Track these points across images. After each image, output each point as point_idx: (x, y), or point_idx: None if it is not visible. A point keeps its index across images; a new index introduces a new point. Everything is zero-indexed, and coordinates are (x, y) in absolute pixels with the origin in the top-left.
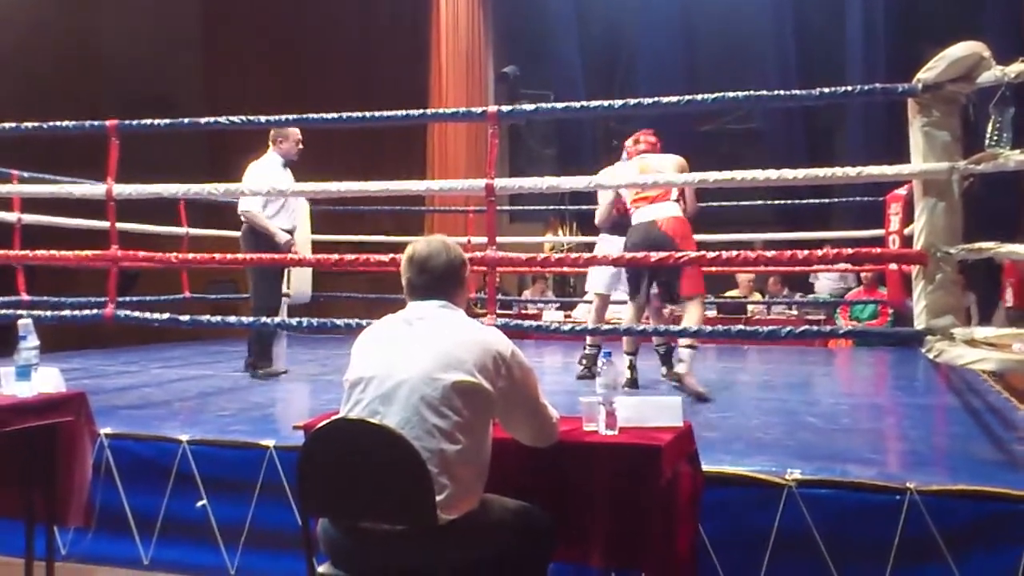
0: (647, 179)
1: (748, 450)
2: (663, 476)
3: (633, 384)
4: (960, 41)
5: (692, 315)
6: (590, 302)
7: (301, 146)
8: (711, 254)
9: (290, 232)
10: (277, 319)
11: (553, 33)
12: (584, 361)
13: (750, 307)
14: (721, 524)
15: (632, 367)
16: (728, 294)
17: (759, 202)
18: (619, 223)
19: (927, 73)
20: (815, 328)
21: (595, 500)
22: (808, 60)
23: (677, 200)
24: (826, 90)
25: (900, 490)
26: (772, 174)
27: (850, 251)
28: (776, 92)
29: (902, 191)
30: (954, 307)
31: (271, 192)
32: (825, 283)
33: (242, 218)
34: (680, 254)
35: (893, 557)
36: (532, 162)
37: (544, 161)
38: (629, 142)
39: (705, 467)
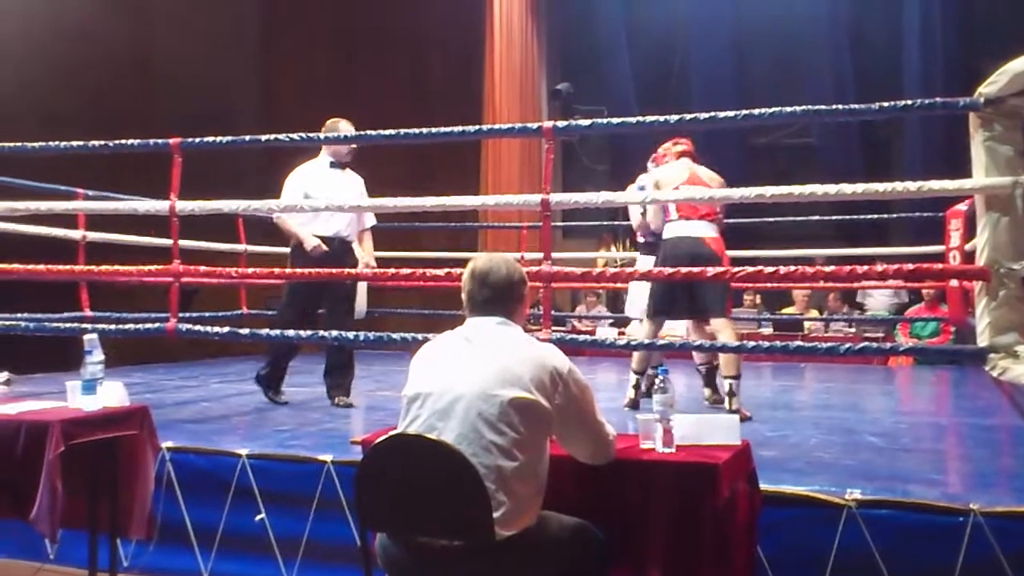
0: (707, 193)
1: (807, 469)
2: (721, 495)
3: (634, 405)
4: (1022, 54)
5: (726, 336)
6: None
7: (354, 146)
8: (769, 269)
9: (331, 239)
10: (335, 333)
11: (606, 50)
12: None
13: (807, 324)
14: (779, 544)
15: (637, 386)
16: (784, 311)
17: (815, 217)
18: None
19: (989, 87)
20: (874, 345)
21: (652, 518)
22: (864, 73)
23: (715, 219)
24: (885, 104)
25: (963, 512)
26: (831, 189)
27: (910, 267)
28: (834, 106)
29: (962, 206)
30: (1018, 324)
31: (330, 207)
32: (880, 299)
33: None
34: (737, 269)
35: None
36: (585, 178)
37: (597, 177)
38: (668, 144)
39: (763, 486)
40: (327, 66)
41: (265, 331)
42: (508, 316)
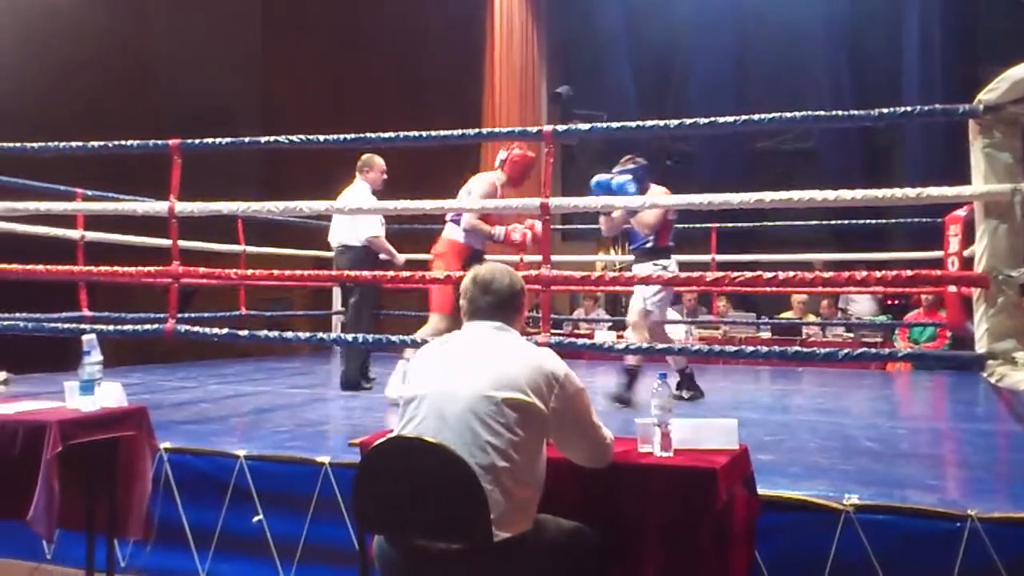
0: (714, 199)
1: (805, 474)
2: (718, 499)
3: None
4: (1022, 61)
5: (424, 330)
6: None
7: (385, 176)
8: (768, 274)
9: None
10: (333, 335)
11: (606, 53)
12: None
13: (804, 329)
14: (777, 549)
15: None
16: (782, 316)
17: (814, 222)
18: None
19: (988, 94)
20: (872, 351)
21: (649, 522)
22: (863, 78)
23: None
24: (886, 111)
25: (961, 517)
26: (830, 195)
27: (909, 273)
28: (835, 112)
29: (961, 212)
30: (1017, 330)
31: (340, 211)
32: (864, 305)
33: (359, 243)
34: (736, 274)
35: None
36: (584, 182)
37: None
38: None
39: (761, 491)
40: (327, 68)
41: (263, 332)
42: (507, 323)
